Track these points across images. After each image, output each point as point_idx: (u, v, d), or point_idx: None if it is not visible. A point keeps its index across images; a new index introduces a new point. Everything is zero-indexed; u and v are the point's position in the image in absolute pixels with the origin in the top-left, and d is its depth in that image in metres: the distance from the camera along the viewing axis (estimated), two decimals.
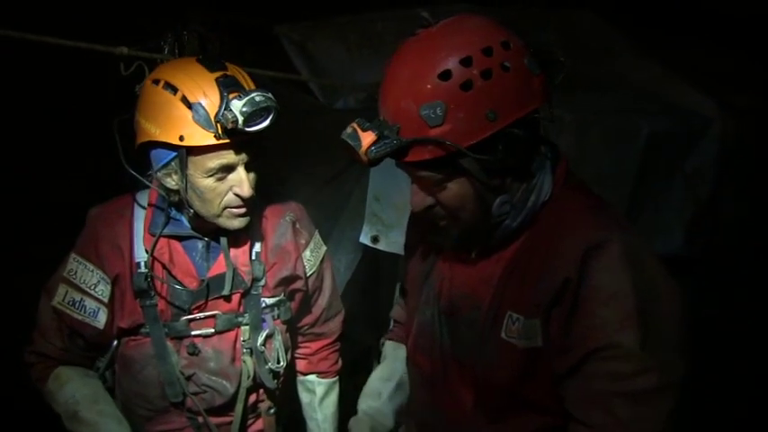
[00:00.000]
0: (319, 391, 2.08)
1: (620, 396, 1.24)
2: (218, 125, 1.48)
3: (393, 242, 2.49)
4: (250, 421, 1.87)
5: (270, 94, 1.52)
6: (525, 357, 1.32)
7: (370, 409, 1.67)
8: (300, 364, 2.09)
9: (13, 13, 2.27)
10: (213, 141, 1.51)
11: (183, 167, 1.56)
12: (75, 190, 1.97)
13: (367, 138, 1.23)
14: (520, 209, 1.33)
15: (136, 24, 2.55)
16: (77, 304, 1.69)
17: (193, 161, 1.55)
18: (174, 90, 1.52)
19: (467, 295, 1.42)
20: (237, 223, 1.65)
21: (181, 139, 1.52)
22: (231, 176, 1.58)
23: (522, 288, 1.33)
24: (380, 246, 2.52)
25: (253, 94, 1.50)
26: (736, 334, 2.64)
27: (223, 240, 1.72)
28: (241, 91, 1.52)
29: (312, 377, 2.08)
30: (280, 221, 1.84)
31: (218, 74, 1.54)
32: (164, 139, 1.53)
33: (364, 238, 2.52)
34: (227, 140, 1.51)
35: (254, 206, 1.68)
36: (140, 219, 1.71)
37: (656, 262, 1.27)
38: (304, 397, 2.10)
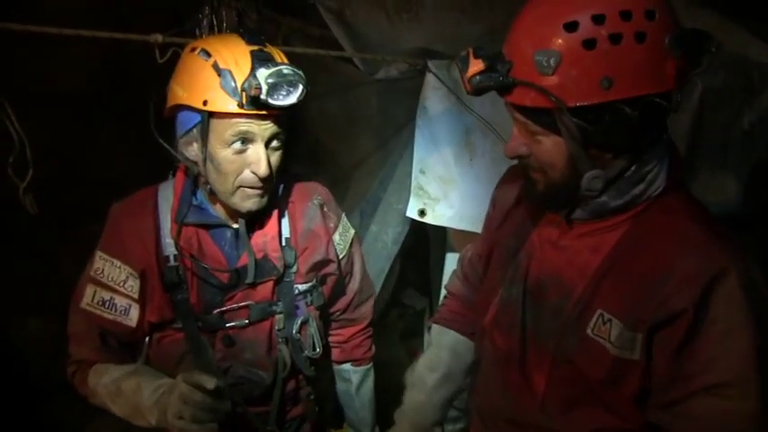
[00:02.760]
0: (355, 379, 2.07)
1: None
2: (243, 94, 1.47)
3: (440, 215, 2.48)
4: (289, 407, 1.85)
5: (300, 72, 1.50)
6: (615, 365, 1.27)
7: (414, 403, 1.64)
8: (334, 353, 2.07)
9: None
10: (236, 109, 1.50)
11: (205, 134, 1.55)
12: (135, 169, 2.00)
13: (476, 65, 1.21)
14: (623, 191, 1.27)
15: (174, 8, 2.54)
16: (107, 303, 1.65)
17: (214, 129, 1.54)
18: (208, 56, 1.53)
19: (556, 280, 1.37)
20: (251, 205, 1.61)
21: (204, 103, 1.51)
22: (250, 152, 1.56)
23: (621, 289, 1.26)
24: (427, 219, 2.51)
25: (281, 66, 1.48)
26: None
27: (241, 224, 1.68)
28: (278, 64, 1.50)
29: (347, 366, 2.07)
30: (308, 205, 1.82)
31: (254, 47, 1.54)
32: (189, 103, 1.53)
33: (411, 212, 2.51)
34: (250, 111, 1.50)
35: (271, 190, 1.64)
36: (166, 210, 1.68)
37: None
38: (340, 385, 2.10)
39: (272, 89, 1.46)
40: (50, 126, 2.55)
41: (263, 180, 1.57)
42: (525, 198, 1.45)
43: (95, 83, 3.02)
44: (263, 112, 1.51)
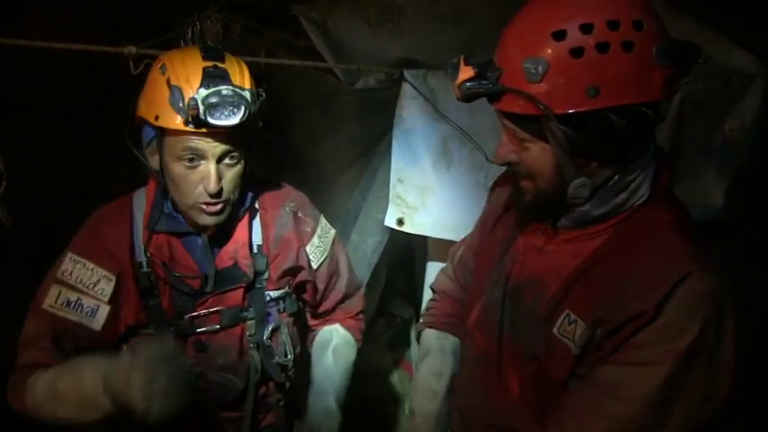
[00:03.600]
0: (337, 337, 1.96)
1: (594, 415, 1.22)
2: (189, 110, 1.48)
3: (418, 224, 2.49)
4: (262, 414, 1.85)
5: (246, 93, 1.51)
6: (577, 365, 1.28)
7: (428, 412, 1.63)
8: (320, 324, 2.02)
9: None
10: (180, 126, 1.50)
11: (160, 148, 1.58)
12: (122, 183, 2.01)
13: (465, 72, 1.23)
14: (605, 200, 1.27)
15: (163, 19, 2.56)
16: (73, 304, 1.61)
17: (166, 143, 1.56)
18: (165, 71, 1.55)
19: (534, 282, 1.38)
20: (207, 220, 1.62)
21: (156, 118, 1.53)
22: (201, 168, 1.56)
23: (590, 291, 1.27)
24: (406, 228, 2.51)
25: (221, 87, 1.48)
26: None
27: (204, 237, 1.69)
28: (222, 83, 1.50)
29: (332, 325, 1.99)
30: (280, 212, 1.82)
31: (209, 63, 1.54)
32: (145, 116, 1.56)
33: (389, 221, 2.51)
34: (194, 129, 1.50)
35: (229, 206, 1.64)
36: (139, 217, 1.69)
37: (729, 314, 1.19)
38: (317, 343, 1.97)
39: (212, 109, 1.46)
40: (38, 141, 2.56)
41: (214, 197, 1.57)
42: (514, 206, 1.46)
43: (82, 97, 3.02)
44: (207, 131, 1.51)
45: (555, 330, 1.31)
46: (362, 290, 2.09)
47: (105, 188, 1.89)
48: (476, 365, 1.52)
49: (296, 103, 2.70)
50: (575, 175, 1.24)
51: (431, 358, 1.72)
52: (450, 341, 1.73)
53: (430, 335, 1.77)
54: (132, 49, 1.88)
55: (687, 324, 1.16)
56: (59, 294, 1.62)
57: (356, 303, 2.05)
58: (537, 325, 1.34)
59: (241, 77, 1.57)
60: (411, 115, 2.46)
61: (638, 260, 1.23)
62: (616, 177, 1.25)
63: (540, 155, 1.25)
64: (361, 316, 2.06)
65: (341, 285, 1.98)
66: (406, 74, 2.44)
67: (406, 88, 2.44)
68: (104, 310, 1.63)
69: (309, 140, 2.75)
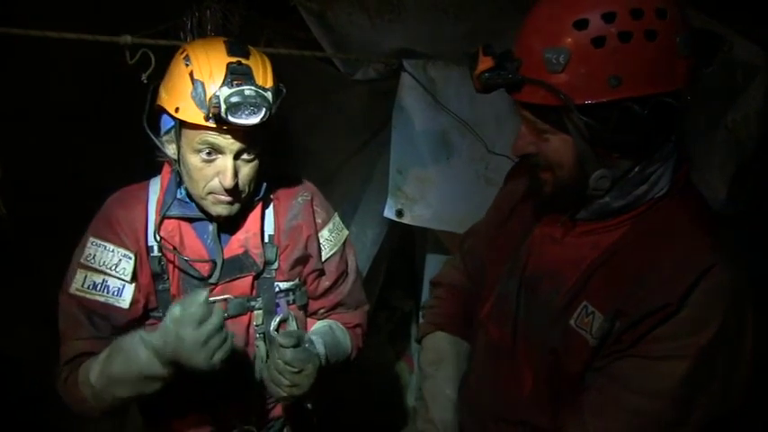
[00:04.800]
0: (335, 325, 1.90)
1: (617, 409, 1.21)
2: (211, 107, 1.49)
3: (417, 216, 2.47)
4: (269, 406, 1.83)
5: (268, 93, 1.51)
6: (593, 358, 1.27)
7: (446, 422, 1.60)
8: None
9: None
10: (201, 122, 1.51)
11: (178, 138, 1.59)
12: (124, 179, 2.02)
13: (484, 63, 1.22)
14: (625, 192, 1.26)
15: (164, 11, 2.54)
16: (99, 286, 1.65)
17: (185, 135, 1.58)
18: (188, 63, 1.55)
19: (551, 274, 1.37)
20: (221, 210, 1.63)
21: (176, 110, 1.54)
22: (218, 162, 1.57)
23: (609, 283, 1.26)
24: (405, 220, 2.50)
25: (245, 87, 1.48)
26: None
27: (214, 227, 1.70)
28: (246, 81, 1.50)
29: (329, 321, 1.93)
30: (292, 203, 1.82)
31: (233, 59, 1.53)
32: (166, 107, 1.57)
33: (389, 213, 2.50)
34: (214, 125, 1.51)
35: (243, 199, 1.65)
36: (153, 202, 1.71)
37: (749, 307, 1.19)
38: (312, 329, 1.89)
39: (233, 108, 1.47)
40: (40, 137, 2.55)
41: (229, 191, 1.58)
42: (532, 198, 1.45)
43: (86, 94, 3.02)
44: (227, 128, 1.52)
45: (572, 322, 1.30)
46: (366, 307, 2.03)
47: (104, 183, 1.90)
48: (488, 357, 1.51)
49: (295, 95, 2.67)
50: (596, 166, 1.23)
51: (447, 365, 1.68)
52: (463, 347, 1.70)
53: (442, 340, 1.73)
54: (128, 39, 1.87)
55: (709, 317, 1.16)
56: (85, 278, 1.66)
57: (356, 315, 1.99)
58: (553, 317, 1.33)
59: (264, 76, 1.56)
60: (410, 106, 2.44)
61: (659, 253, 1.22)
62: (637, 169, 1.24)
63: (560, 146, 1.23)
64: (359, 331, 1.99)
65: (344, 289, 1.94)
66: (406, 64, 2.43)
67: (406, 78, 2.43)
68: (129, 289, 1.67)
69: (308, 131, 2.73)
